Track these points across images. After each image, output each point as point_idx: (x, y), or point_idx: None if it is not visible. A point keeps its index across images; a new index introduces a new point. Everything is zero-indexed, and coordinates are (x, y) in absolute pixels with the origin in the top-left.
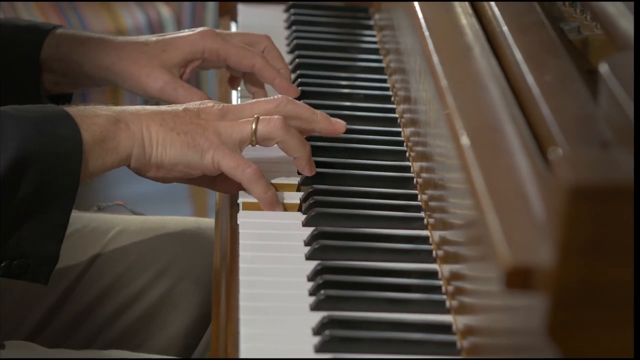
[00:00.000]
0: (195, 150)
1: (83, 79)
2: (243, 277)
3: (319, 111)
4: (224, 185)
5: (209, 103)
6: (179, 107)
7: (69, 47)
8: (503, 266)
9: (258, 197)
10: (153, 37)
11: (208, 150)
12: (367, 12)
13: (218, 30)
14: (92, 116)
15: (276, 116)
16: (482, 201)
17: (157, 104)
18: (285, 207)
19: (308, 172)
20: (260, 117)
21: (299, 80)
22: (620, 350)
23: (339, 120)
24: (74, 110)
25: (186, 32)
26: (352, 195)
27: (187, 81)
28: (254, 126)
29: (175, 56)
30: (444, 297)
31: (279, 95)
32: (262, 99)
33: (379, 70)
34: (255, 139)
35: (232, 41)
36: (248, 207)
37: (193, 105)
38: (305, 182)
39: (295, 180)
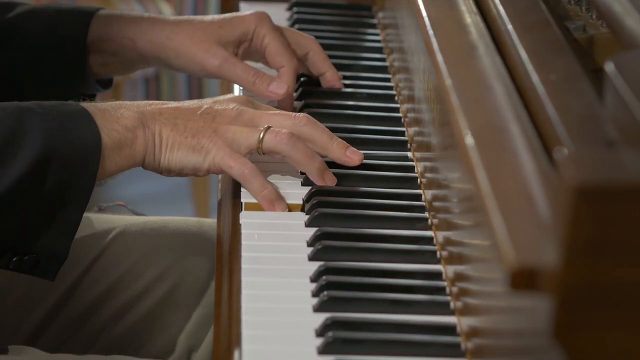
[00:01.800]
0: (199, 153)
1: (134, 55)
2: (245, 278)
3: (337, 139)
4: None
5: (231, 104)
6: (200, 108)
7: (121, 25)
8: (508, 267)
9: (255, 195)
10: (208, 17)
11: (210, 151)
12: (370, 10)
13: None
14: (112, 121)
15: (285, 130)
16: (487, 201)
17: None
18: (288, 207)
19: (321, 184)
20: (269, 129)
21: (301, 79)
22: (628, 352)
23: (355, 151)
24: (95, 110)
25: (242, 13)
26: (355, 196)
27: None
28: (261, 135)
29: (231, 34)
30: (448, 298)
31: (301, 114)
32: (284, 112)
33: (383, 69)
34: (262, 149)
35: (281, 34)
36: (250, 207)
37: (214, 107)
38: (307, 182)
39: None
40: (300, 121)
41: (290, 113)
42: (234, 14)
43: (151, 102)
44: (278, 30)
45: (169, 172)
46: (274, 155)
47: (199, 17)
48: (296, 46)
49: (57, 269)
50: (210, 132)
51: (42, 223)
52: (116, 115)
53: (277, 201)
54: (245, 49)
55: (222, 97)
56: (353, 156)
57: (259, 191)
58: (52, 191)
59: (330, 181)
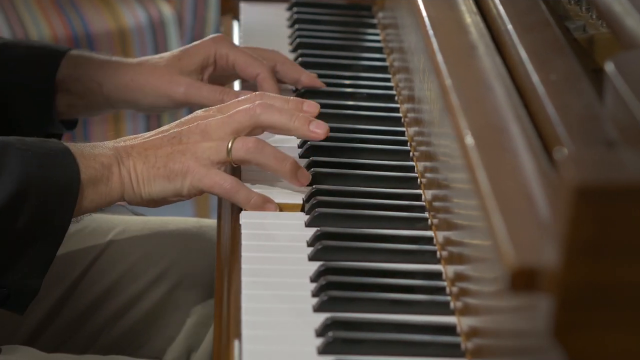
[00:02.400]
0: (175, 180)
1: (101, 99)
2: (245, 278)
3: (297, 116)
4: None
5: (193, 122)
6: (167, 132)
7: (88, 67)
8: (508, 267)
9: (243, 206)
10: (167, 52)
11: (185, 176)
12: (370, 10)
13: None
14: (90, 158)
15: (252, 138)
16: (487, 201)
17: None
18: (288, 208)
19: (297, 185)
20: (236, 139)
21: None
22: (628, 352)
23: (320, 123)
24: (74, 148)
25: (199, 41)
26: (355, 196)
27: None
28: (229, 146)
29: (191, 63)
30: (448, 298)
31: (256, 94)
32: (239, 100)
33: (383, 69)
34: (232, 161)
35: (243, 48)
36: None
37: (178, 129)
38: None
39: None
40: (255, 111)
41: (241, 97)
42: (191, 44)
43: (125, 137)
44: (238, 47)
45: (154, 203)
46: (244, 164)
47: (158, 55)
48: (262, 60)
49: (28, 304)
50: (179, 155)
51: (14, 258)
52: (93, 152)
53: (266, 204)
54: (211, 74)
55: (184, 119)
56: (318, 129)
57: (246, 202)
58: (27, 226)
59: (304, 179)
